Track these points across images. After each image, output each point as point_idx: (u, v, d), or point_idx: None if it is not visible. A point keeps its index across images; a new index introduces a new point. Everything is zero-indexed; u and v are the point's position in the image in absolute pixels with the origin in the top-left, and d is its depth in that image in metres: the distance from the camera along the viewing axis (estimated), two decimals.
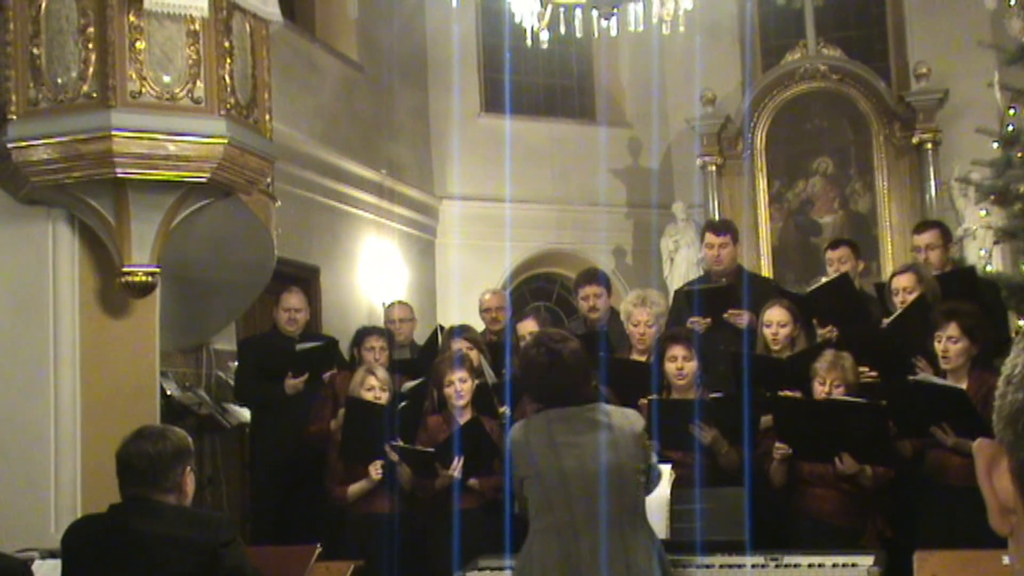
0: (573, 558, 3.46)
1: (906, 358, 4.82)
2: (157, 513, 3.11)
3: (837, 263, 6.05)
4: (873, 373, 4.92)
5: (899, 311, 5.14)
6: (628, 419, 3.63)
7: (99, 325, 4.84)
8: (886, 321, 5.24)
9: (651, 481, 3.74)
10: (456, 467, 4.89)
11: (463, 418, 5.11)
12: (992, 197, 7.82)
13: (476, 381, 5.27)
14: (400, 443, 5.05)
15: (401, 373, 5.86)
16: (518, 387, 4.95)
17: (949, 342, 4.52)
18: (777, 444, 4.51)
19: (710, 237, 6.17)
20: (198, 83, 4.50)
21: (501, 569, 4.21)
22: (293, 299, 6.38)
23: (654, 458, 3.77)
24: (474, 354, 5.58)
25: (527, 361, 3.68)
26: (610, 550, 3.46)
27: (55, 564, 3.49)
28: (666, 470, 4.33)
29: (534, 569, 3.53)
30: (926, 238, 5.76)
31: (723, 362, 5.20)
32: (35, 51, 4.45)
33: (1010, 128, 7.58)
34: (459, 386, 5.13)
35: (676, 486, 4.33)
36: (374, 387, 5.26)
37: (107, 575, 3.13)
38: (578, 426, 3.55)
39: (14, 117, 4.44)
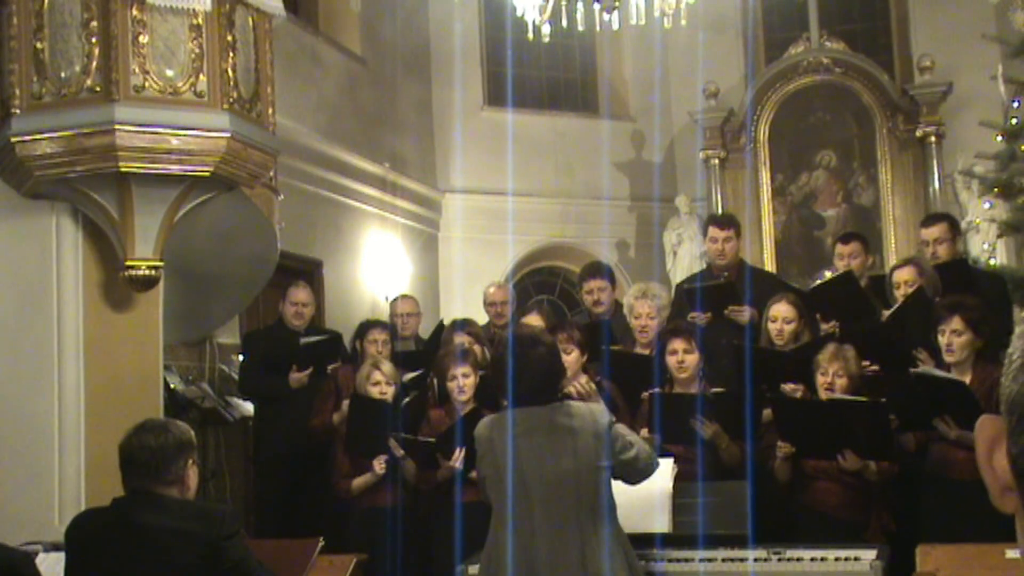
0: (530, 559, 3.55)
1: (907, 351, 4.80)
2: (160, 506, 3.12)
3: (848, 258, 5.95)
4: (875, 367, 4.90)
5: (898, 304, 5.12)
6: (592, 416, 3.68)
7: (103, 319, 4.85)
8: (886, 313, 5.23)
9: (634, 469, 3.73)
10: (458, 458, 4.89)
11: (465, 412, 5.11)
12: (996, 190, 7.81)
13: (479, 375, 5.28)
14: (403, 435, 5.06)
15: (404, 366, 5.87)
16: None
17: (953, 335, 4.48)
18: (779, 443, 4.51)
19: (713, 231, 6.12)
20: (201, 77, 4.49)
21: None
22: (301, 293, 6.39)
23: (634, 447, 3.71)
24: (476, 348, 5.58)
25: (495, 361, 3.71)
26: (566, 552, 3.54)
27: (59, 557, 3.50)
28: (668, 464, 4.33)
29: (498, 568, 3.63)
30: (935, 232, 5.68)
31: (726, 356, 5.19)
32: (38, 45, 4.45)
33: (1014, 121, 7.57)
34: (462, 381, 5.12)
35: (678, 480, 4.33)
36: (380, 381, 5.25)
37: (111, 568, 3.13)
38: (540, 428, 3.62)
39: (17, 111, 4.44)
